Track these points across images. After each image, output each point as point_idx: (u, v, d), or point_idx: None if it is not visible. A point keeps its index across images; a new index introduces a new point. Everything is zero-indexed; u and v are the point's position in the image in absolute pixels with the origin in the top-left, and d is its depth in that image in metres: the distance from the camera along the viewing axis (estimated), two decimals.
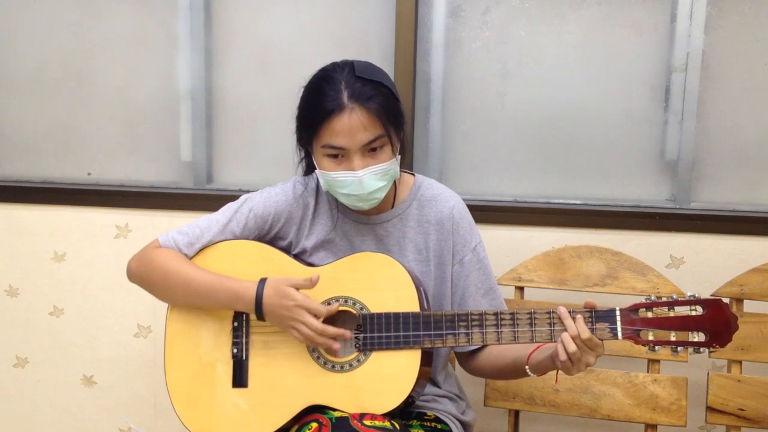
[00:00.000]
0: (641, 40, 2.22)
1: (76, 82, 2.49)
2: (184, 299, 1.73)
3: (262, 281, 1.65)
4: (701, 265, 2.19)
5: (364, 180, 1.63)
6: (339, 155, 1.63)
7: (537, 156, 2.30)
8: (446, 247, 1.78)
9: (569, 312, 1.56)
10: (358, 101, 1.59)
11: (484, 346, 1.77)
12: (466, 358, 1.82)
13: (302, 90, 1.70)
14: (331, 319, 1.70)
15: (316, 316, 1.61)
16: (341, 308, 1.67)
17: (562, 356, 1.53)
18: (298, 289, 1.62)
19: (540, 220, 2.24)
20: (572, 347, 1.52)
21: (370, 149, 1.63)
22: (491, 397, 2.06)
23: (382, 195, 1.68)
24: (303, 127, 1.69)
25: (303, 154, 1.78)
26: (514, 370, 1.70)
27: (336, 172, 1.64)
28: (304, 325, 1.61)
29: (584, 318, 1.55)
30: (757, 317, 1.98)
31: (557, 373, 1.63)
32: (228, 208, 1.79)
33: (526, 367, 1.64)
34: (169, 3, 2.41)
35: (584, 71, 2.25)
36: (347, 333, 1.63)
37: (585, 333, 1.53)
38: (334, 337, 1.62)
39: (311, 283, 1.63)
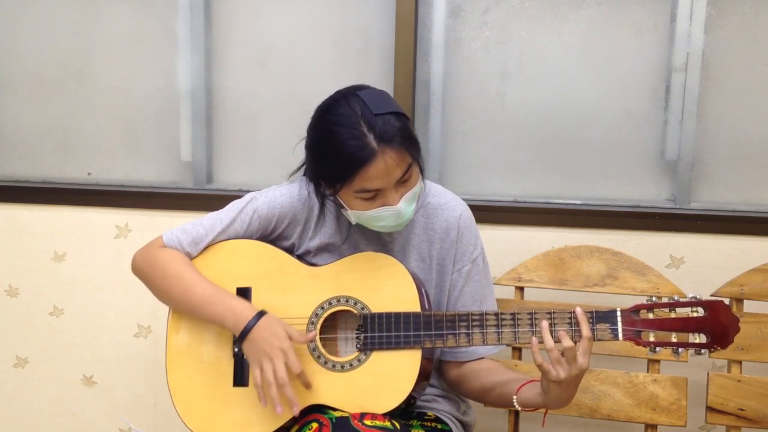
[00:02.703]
0: (641, 40, 2.22)
1: (76, 82, 2.49)
2: (180, 306, 1.72)
3: (263, 312, 1.64)
4: (701, 265, 2.19)
5: (401, 210, 1.61)
6: (374, 195, 1.60)
7: (537, 156, 2.30)
8: (448, 256, 1.78)
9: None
10: (385, 142, 1.54)
11: (472, 361, 1.77)
12: (451, 369, 1.81)
13: (314, 136, 1.63)
14: (333, 320, 1.71)
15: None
16: (342, 308, 1.67)
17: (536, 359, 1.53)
18: (291, 338, 1.61)
19: (540, 220, 2.25)
20: (538, 359, 1.52)
21: (403, 180, 1.60)
22: None
23: (413, 215, 1.68)
24: (330, 178, 1.62)
25: (302, 163, 1.75)
26: (500, 397, 1.67)
27: (372, 210, 1.61)
28: (273, 369, 1.58)
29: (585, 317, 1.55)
30: (757, 317, 1.98)
31: (545, 414, 1.63)
32: (232, 208, 1.78)
33: (514, 397, 1.61)
34: (169, 3, 2.41)
35: (584, 71, 2.25)
36: (296, 409, 1.58)
37: (549, 342, 1.53)
38: (287, 401, 1.58)
39: (305, 341, 1.63)
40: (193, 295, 1.69)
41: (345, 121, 1.55)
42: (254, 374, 1.61)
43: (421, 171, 1.66)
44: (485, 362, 1.77)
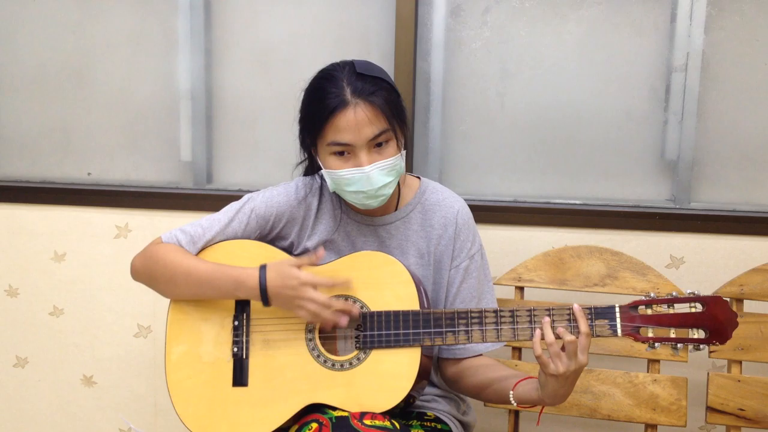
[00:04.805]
0: (641, 40, 2.22)
1: (76, 82, 2.49)
2: (187, 290, 1.72)
3: (263, 267, 1.65)
4: (701, 265, 2.19)
5: (371, 176, 1.63)
6: (345, 152, 1.63)
7: (537, 156, 2.30)
8: (446, 252, 1.78)
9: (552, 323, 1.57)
10: (361, 96, 1.60)
11: (469, 358, 1.77)
12: (449, 366, 1.81)
13: (303, 92, 1.70)
14: None
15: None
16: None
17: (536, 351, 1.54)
18: (300, 267, 1.63)
19: (540, 220, 2.25)
20: (537, 351, 1.54)
21: (376, 144, 1.63)
22: None
23: (389, 191, 1.68)
24: (307, 128, 1.69)
25: (304, 156, 1.78)
26: (496, 392, 1.68)
27: (343, 170, 1.64)
28: (311, 301, 1.60)
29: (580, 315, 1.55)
30: (757, 317, 1.98)
31: (540, 411, 1.63)
32: (230, 208, 1.79)
33: (511, 392, 1.62)
34: (169, 3, 2.41)
35: (584, 71, 2.25)
36: (354, 308, 1.62)
37: (549, 336, 1.54)
38: (342, 311, 1.62)
39: (316, 258, 1.64)
40: (197, 277, 1.70)
41: (330, 76, 1.65)
42: (304, 317, 1.64)
43: (404, 147, 1.70)
44: (483, 359, 1.77)
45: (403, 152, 1.69)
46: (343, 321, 1.62)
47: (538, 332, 1.55)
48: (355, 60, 1.68)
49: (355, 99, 1.60)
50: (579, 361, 1.51)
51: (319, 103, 1.62)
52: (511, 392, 1.62)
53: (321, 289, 1.63)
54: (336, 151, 1.64)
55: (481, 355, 1.78)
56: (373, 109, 1.60)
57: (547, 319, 1.56)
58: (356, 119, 1.59)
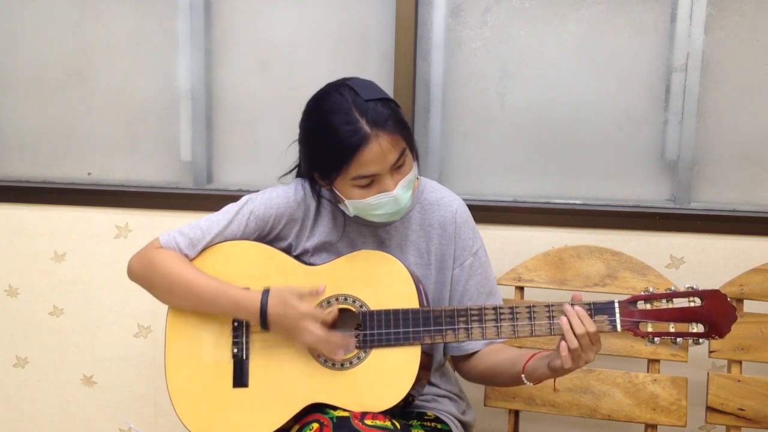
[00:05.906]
0: (641, 40, 2.22)
1: (76, 82, 2.48)
2: (186, 303, 1.73)
3: (266, 291, 1.65)
4: (701, 265, 2.19)
5: (398, 196, 1.62)
6: (370, 182, 1.62)
7: (537, 156, 2.30)
8: (448, 251, 1.78)
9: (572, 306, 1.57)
10: (378, 126, 1.56)
11: (478, 352, 1.78)
12: (461, 362, 1.82)
13: (305, 127, 1.67)
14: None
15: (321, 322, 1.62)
16: (341, 306, 1.68)
17: (564, 352, 1.53)
18: (302, 297, 1.62)
19: (540, 220, 2.24)
20: (574, 343, 1.53)
21: (398, 166, 1.62)
22: (491, 397, 2.06)
23: (411, 202, 1.69)
24: (325, 167, 1.64)
25: (297, 162, 1.78)
26: (510, 378, 1.70)
27: (370, 198, 1.62)
28: (310, 333, 1.61)
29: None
30: (757, 317, 1.97)
31: (555, 380, 1.64)
32: (229, 209, 1.79)
33: (522, 375, 1.63)
34: (169, 3, 2.41)
35: (584, 71, 2.25)
36: (352, 340, 1.63)
37: (591, 326, 1.53)
38: (339, 345, 1.62)
39: (316, 293, 1.63)
40: (197, 293, 1.70)
41: (337, 108, 1.58)
42: (300, 347, 1.65)
43: (416, 158, 1.68)
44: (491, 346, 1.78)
45: (416, 162, 1.68)
46: (339, 356, 1.63)
47: (564, 345, 1.54)
48: (348, 81, 1.63)
49: (375, 130, 1.56)
50: (596, 349, 1.54)
51: (338, 142, 1.57)
52: (523, 375, 1.64)
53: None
54: (361, 184, 1.61)
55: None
56: (392, 135, 1.57)
57: (580, 310, 1.55)
58: (381, 150, 1.56)
